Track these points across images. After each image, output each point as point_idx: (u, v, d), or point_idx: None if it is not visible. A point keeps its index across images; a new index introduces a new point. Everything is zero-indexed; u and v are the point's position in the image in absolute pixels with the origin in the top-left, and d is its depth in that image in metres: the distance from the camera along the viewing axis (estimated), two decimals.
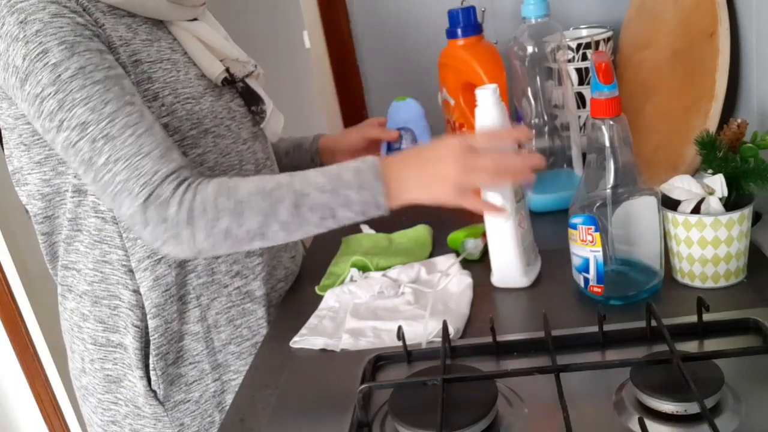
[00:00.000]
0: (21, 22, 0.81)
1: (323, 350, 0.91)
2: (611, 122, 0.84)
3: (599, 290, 0.87)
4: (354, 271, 1.06)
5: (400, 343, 0.82)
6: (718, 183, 0.85)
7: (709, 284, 0.87)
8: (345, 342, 0.89)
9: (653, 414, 0.66)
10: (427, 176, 0.86)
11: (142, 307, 0.95)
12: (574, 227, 0.87)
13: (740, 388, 0.67)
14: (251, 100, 1.02)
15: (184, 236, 0.83)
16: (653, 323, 0.76)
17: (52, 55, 0.80)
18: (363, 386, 0.73)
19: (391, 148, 1.17)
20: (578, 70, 1.39)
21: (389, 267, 1.06)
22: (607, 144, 0.85)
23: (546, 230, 1.06)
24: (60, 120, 0.81)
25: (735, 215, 0.83)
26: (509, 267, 0.96)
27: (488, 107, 0.91)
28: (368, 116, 1.76)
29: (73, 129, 0.81)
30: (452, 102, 1.25)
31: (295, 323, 0.97)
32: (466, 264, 1.04)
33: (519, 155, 0.89)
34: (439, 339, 0.80)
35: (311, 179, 0.86)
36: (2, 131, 0.93)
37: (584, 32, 1.49)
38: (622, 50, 1.41)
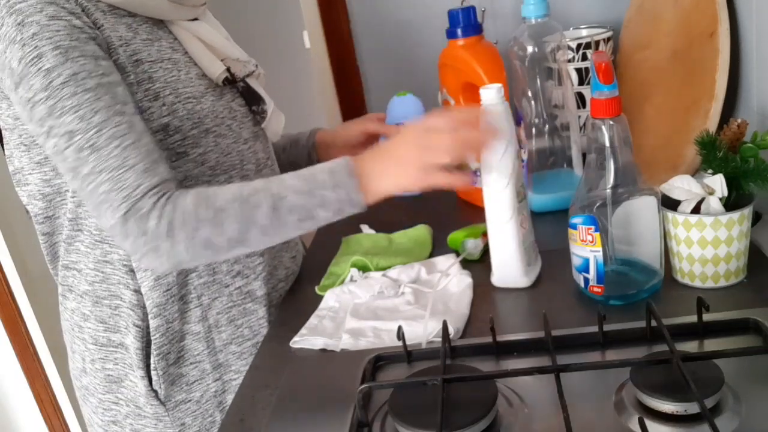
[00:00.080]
0: (19, 24, 0.81)
1: (323, 350, 0.91)
2: (611, 122, 0.84)
3: (599, 290, 0.87)
4: (354, 271, 1.06)
5: (400, 343, 0.82)
6: (718, 183, 0.85)
7: (709, 284, 0.87)
8: (345, 342, 0.90)
9: (653, 414, 0.66)
10: (393, 166, 0.88)
11: (143, 307, 0.95)
12: (574, 227, 0.87)
13: (740, 388, 0.67)
14: (252, 99, 1.02)
15: (163, 249, 0.83)
16: (653, 323, 0.76)
17: (46, 60, 0.80)
18: (363, 386, 0.73)
19: None
20: (578, 70, 1.39)
21: (389, 267, 1.06)
22: (607, 144, 0.85)
23: (546, 230, 1.06)
24: (49, 126, 0.82)
25: (735, 215, 0.83)
26: (509, 267, 0.96)
27: (492, 107, 0.90)
28: None
29: (61, 136, 0.81)
30: (452, 102, 1.25)
31: (295, 323, 0.97)
32: (466, 264, 1.04)
33: (474, 128, 0.89)
34: (439, 339, 0.80)
35: (287, 182, 0.87)
36: (2, 131, 0.93)
37: (584, 32, 1.49)
38: (622, 50, 1.41)
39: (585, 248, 0.86)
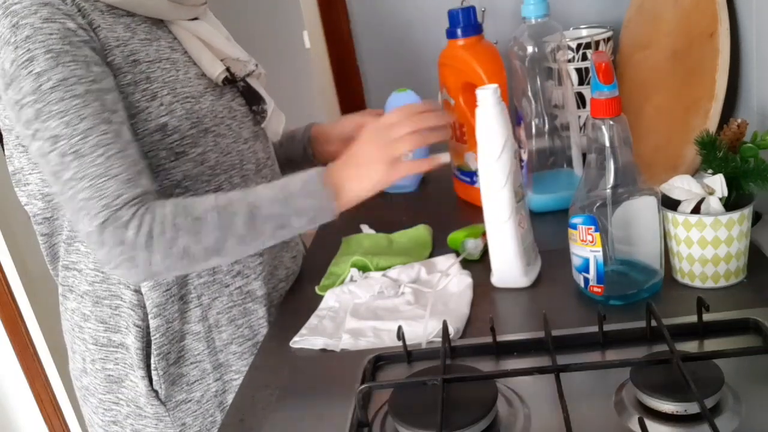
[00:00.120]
0: (13, 26, 0.81)
1: (323, 350, 0.91)
2: (611, 122, 0.84)
3: (599, 290, 0.87)
4: (354, 271, 1.06)
5: (400, 343, 0.82)
6: (718, 183, 0.85)
7: (709, 284, 0.87)
8: (345, 342, 0.90)
9: (653, 414, 0.66)
10: (360, 168, 0.92)
11: (144, 307, 0.95)
12: (574, 227, 0.87)
13: (740, 388, 0.67)
14: (252, 99, 1.02)
15: (140, 259, 0.83)
16: (653, 323, 0.76)
17: (37, 63, 0.80)
18: (363, 386, 0.73)
19: None
20: (578, 70, 1.39)
21: (389, 267, 1.06)
22: (607, 144, 0.84)
23: (546, 230, 1.06)
24: (35, 129, 0.82)
25: (735, 215, 0.83)
26: (509, 267, 0.96)
27: (489, 107, 0.91)
28: None
29: (46, 140, 0.81)
30: (452, 102, 1.25)
31: (295, 323, 0.97)
32: (466, 264, 1.04)
33: (429, 116, 0.94)
34: (439, 339, 0.80)
35: (262, 192, 0.89)
36: (2, 132, 0.93)
37: (584, 32, 1.49)
38: (622, 50, 1.41)
39: (585, 248, 0.86)
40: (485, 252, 1.04)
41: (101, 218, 0.81)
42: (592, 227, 0.85)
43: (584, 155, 1.00)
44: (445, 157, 0.96)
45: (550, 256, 1.01)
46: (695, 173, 0.98)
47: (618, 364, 0.71)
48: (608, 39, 1.42)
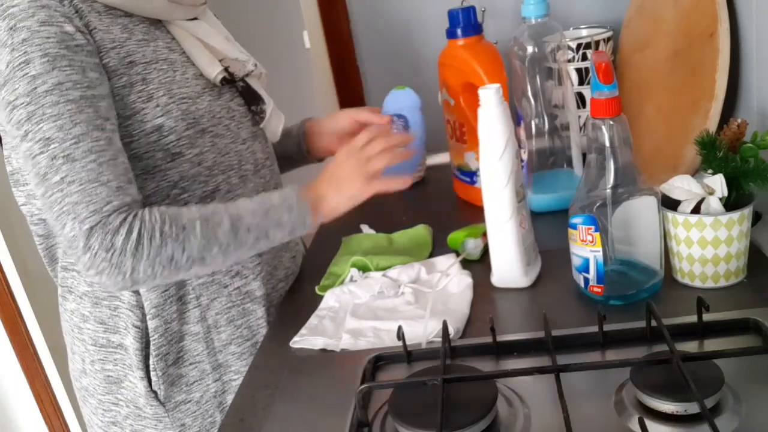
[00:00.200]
0: (10, 29, 0.81)
1: (323, 350, 0.91)
2: (611, 122, 0.84)
3: (599, 290, 0.87)
4: (354, 271, 1.06)
5: (400, 343, 0.82)
6: (718, 183, 0.85)
7: (709, 284, 0.87)
8: (345, 342, 0.89)
9: (653, 414, 0.66)
10: (338, 183, 0.99)
11: (142, 308, 0.95)
12: (574, 227, 0.87)
13: (740, 388, 0.67)
14: (251, 99, 1.02)
15: (126, 266, 0.83)
16: (653, 323, 0.76)
17: (33, 66, 0.80)
18: (363, 386, 0.73)
19: None
20: (578, 70, 1.39)
21: (389, 267, 1.06)
22: (607, 144, 0.84)
23: (546, 230, 1.06)
24: (26, 131, 0.82)
25: (735, 215, 0.83)
26: (509, 267, 0.96)
27: (491, 107, 0.91)
28: None
29: (37, 141, 0.81)
30: (452, 102, 1.25)
31: (295, 323, 0.97)
32: (466, 264, 1.04)
33: (396, 135, 1.06)
34: (439, 339, 0.80)
35: (243, 204, 0.92)
36: (0, 133, 0.93)
37: (584, 32, 1.49)
38: (622, 50, 1.41)
39: (585, 248, 0.86)
40: (485, 252, 1.04)
41: (89, 223, 0.81)
42: (592, 227, 0.85)
43: (584, 155, 1.00)
44: (406, 182, 1.03)
45: (550, 256, 1.01)
46: (695, 173, 0.98)
47: (618, 364, 0.71)
48: (608, 39, 1.42)
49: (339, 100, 1.83)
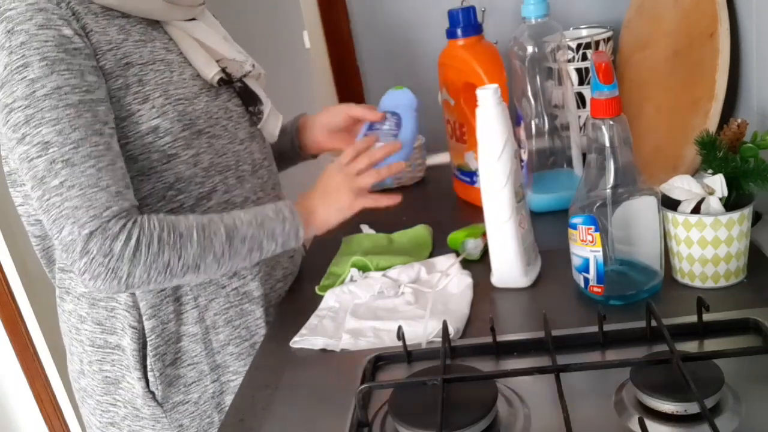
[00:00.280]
0: (8, 32, 0.81)
1: (323, 350, 0.91)
2: (611, 122, 0.84)
3: (599, 290, 0.87)
4: (354, 271, 1.06)
5: (400, 343, 0.82)
6: (718, 183, 0.85)
7: (709, 284, 0.87)
8: (345, 342, 0.89)
9: (653, 414, 0.65)
10: (327, 198, 1.01)
11: (138, 309, 0.95)
12: (574, 227, 0.87)
13: (740, 388, 0.67)
14: (249, 100, 1.02)
15: (122, 271, 0.83)
16: (653, 323, 0.76)
17: (31, 70, 0.80)
18: (363, 386, 0.73)
19: (372, 128, 1.12)
20: (578, 70, 1.39)
21: (389, 267, 1.06)
22: (607, 144, 0.84)
23: (546, 230, 1.06)
24: (23, 134, 0.82)
25: (735, 215, 0.83)
26: (509, 267, 0.96)
27: (489, 107, 0.91)
28: None
29: (35, 145, 0.81)
30: (452, 102, 1.25)
31: (295, 323, 0.97)
32: (466, 264, 1.04)
33: (381, 147, 1.05)
34: (439, 339, 0.80)
35: (238, 215, 0.93)
36: None
37: (584, 32, 1.49)
38: (622, 50, 1.41)
39: (585, 248, 0.86)
40: (485, 252, 1.04)
41: (89, 228, 0.81)
42: (592, 227, 0.85)
43: (584, 155, 1.00)
44: (395, 199, 1.06)
45: (550, 256, 1.01)
46: (695, 173, 0.98)
47: (618, 364, 0.71)
48: (608, 39, 1.42)
49: (339, 100, 1.82)
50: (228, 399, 1.01)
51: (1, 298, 1.90)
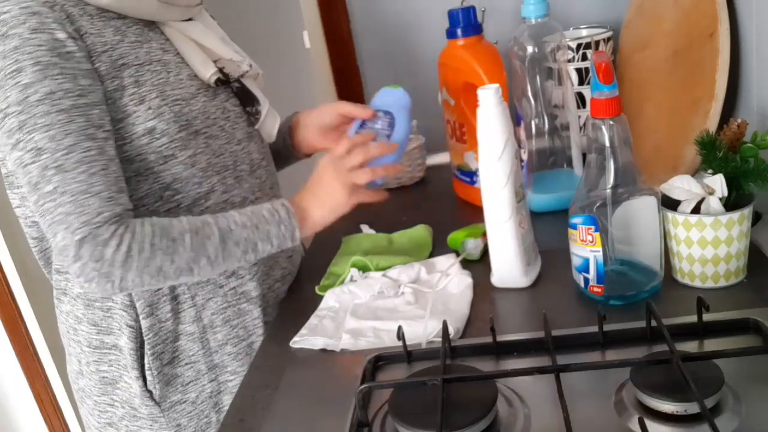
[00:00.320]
0: (1, 36, 0.81)
1: (323, 350, 0.91)
2: (611, 122, 0.84)
3: (599, 290, 0.87)
4: (354, 271, 1.06)
5: (400, 343, 0.82)
6: (718, 183, 0.85)
7: (709, 284, 0.87)
8: (345, 342, 0.89)
9: (653, 414, 0.65)
10: (322, 197, 0.99)
11: (135, 308, 0.94)
12: (574, 227, 0.87)
13: (740, 388, 0.67)
14: (246, 100, 1.02)
15: (115, 276, 0.84)
16: (653, 323, 0.76)
17: (25, 75, 0.80)
18: (363, 386, 0.73)
19: (364, 126, 1.10)
20: (578, 70, 1.39)
21: (389, 267, 1.06)
22: (607, 144, 0.84)
23: (546, 230, 1.06)
24: (17, 140, 0.82)
25: (735, 215, 0.83)
26: (509, 267, 0.96)
27: (490, 107, 0.91)
28: None
29: (28, 151, 0.81)
30: (452, 102, 1.25)
31: (294, 323, 0.97)
32: (466, 264, 1.04)
33: (376, 146, 1.02)
34: (439, 339, 0.80)
35: (233, 217, 0.93)
36: None
37: (584, 32, 1.49)
38: (622, 50, 1.41)
39: (585, 248, 0.86)
40: (485, 252, 1.04)
41: (81, 234, 0.82)
42: (592, 227, 0.85)
43: (584, 155, 1.00)
44: (384, 195, 1.06)
45: (550, 256, 1.01)
46: (695, 173, 0.98)
47: (618, 364, 0.71)
48: (608, 39, 1.42)
49: (339, 100, 1.82)
50: (225, 399, 1.01)
51: (1, 298, 1.90)
